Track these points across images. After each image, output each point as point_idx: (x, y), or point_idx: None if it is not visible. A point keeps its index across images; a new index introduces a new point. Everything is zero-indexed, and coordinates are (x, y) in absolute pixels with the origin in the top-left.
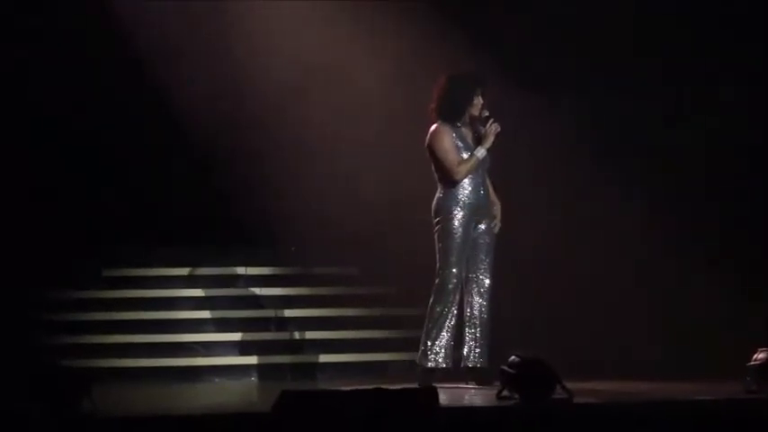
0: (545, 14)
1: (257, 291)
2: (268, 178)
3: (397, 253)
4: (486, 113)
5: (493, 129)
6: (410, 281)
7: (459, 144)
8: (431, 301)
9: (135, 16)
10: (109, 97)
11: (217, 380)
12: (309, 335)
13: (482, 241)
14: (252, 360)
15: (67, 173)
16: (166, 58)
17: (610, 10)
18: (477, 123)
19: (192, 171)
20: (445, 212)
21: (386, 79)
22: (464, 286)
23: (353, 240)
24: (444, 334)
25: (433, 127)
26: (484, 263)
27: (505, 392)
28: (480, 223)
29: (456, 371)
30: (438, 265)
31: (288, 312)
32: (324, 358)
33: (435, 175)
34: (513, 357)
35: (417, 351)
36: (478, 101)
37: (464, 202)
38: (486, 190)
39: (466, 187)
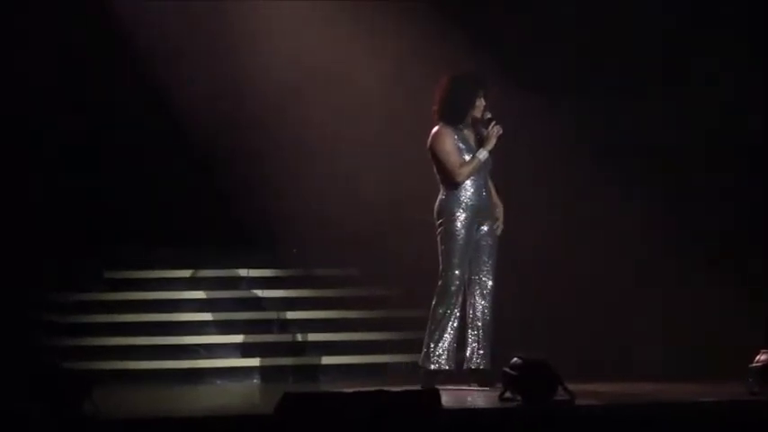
0: (545, 14)
1: (259, 293)
2: (269, 179)
3: (399, 255)
4: (489, 116)
5: (495, 131)
6: (412, 283)
7: (461, 146)
8: (433, 303)
9: (135, 16)
10: (110, 98)
11: (219, 382)
12: (312, 337)
13: (484, 243)
14: (254, 362)
15: (68, 174)
16: (167, 58)
17: (610, 10)
18: (479, 125)
19: (193, 172)
20: (448, 214)
21: (386, 79)
22: (467, 288)
23: (355, 242)
24: (447, 336)
25: (435, 129)
26: (486, 265)
27: (508, 394)
28: (483, 225)
29: (458, 373)
30: (441, 267)
31: (290, 314)
32: (326, 360)
33: (437, 177)
34: (515, 359)
35: (420, 353)
36: (480, 102)
37: (466, 203)
38: (488, 192)
39: (468, 189)
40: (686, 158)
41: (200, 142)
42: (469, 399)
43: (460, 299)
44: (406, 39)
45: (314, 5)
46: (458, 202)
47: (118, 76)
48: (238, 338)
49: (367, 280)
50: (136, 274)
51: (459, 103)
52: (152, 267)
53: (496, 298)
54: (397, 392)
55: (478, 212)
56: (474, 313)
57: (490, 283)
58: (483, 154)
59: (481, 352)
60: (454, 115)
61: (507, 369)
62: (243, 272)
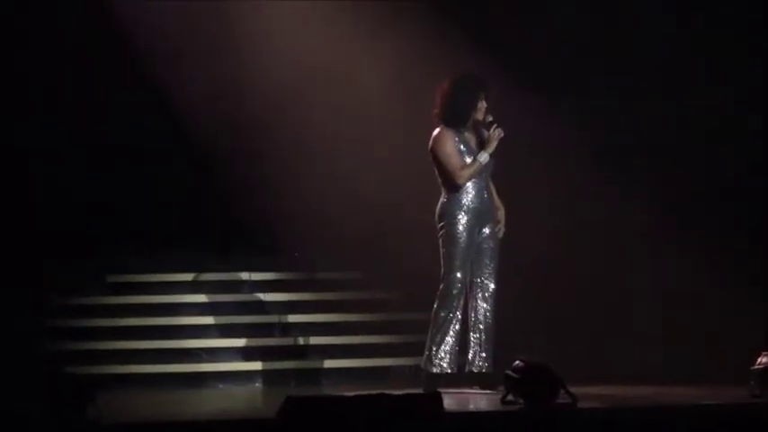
0: (545, 14)
1: (261, 296)
2: (270, 182)
3: (400, 258)
4: (491, 118)
5: (496, 134)
6: (414, 286)
7: (463, 148)
8: (435, 306)
9: (135, 16)
10: (112, 102)
11: (221, 386)
12: (314, 340)
13: (486, 246)
14: (256, 366)
15: (70, 178)
16: (167, 58)
17: (610, 9)
18: (480, 127)
19: (194, 175)
20: (449, 217)
21: (386, 79)
22: (469, 291)
23: (357, 245)
24: (449, 339)
25: (436, 131)
26: (488, 267)
27: (510, 397)
28: (484, 228)
29: (461, 376)
30: (442, 270)
31: (292, 318)
32: (328, 364)
33: (438, 180)
34: (517, 362)
35: (422, 356)
36: (482, 105)
37: (468, 206)
38: (489, 194)
39: (470, 192)
40: (686, 159)
41: (201, 144)
42: (471, 402)
43: (462, 302)
44: (407, 39)
45: (313, 5)
46: (459, 205)
47: (119, 77)
48: (240, 342)
49: (369, 283)
50: (138, 278)
51: (461, 105)
52: (154, 271)
53: (498, 301)
54: (399, 396)
55: (480, 215)
56: (476, 316)
57: (492, 285)
58: (484, 157)
59: (483, 355)
60: (456, 118)
61: (509, 372)
62: (245, 275)
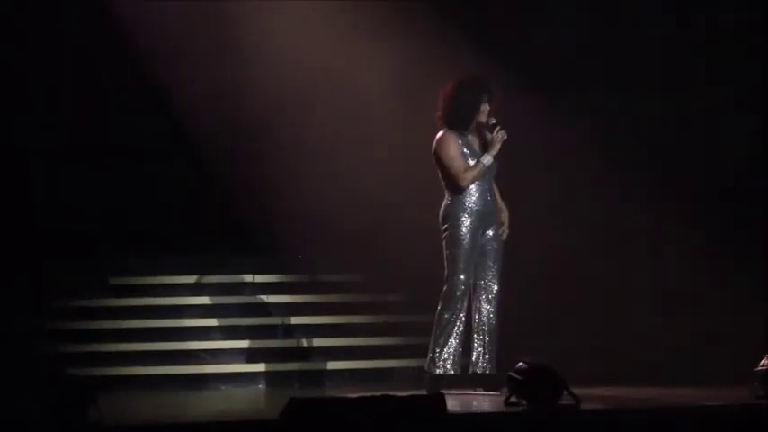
0: (546, 14)
1: (264, 298)
2: (274, 185)
3: (404, 260)
4: (494, 121)
5: (500, 136)
6: (418, 288)
7: (466, 151)
8: (439, 307)
9: (135, 16)
10: (114, 106)
11: (224, 387)
12: (317, 342)
13: (490, 248)
14: (259, 367)
15: (73, 180)
16: (172, 61)
17: (610, 9)
18: (483, 130)
19: (197, 178)
20: (453, 219)
21: (387, 79)
22: (472, 293)
23: (360, 247)
24: (452, 341)
25: (439, 134)
26: (492, 269)
27: (513, 399)
28: (488, 230)
29: (464, 377)
30: (446, 271)
31: (295, 320)
32: (331, 365)
33: (442, 183)
34: (520, 363)
35: (425, 358)
36: (485, 107)
37: (471, 208)
38: (493, 197)
39: (473, 194)
40: (687, 159)
41: (203, 146)
42: (475, 403)
43: (466, 304)
44: (407, 39)
45: (314, 5)
46: (463, 207)
47: (119, 78)
48: (243, 344)
49: (372, 285)
50: (140, 280)
51: (464, 108)
52: (156, 273)
53: (502, 303)
54: (403, 397)
55: (483, 217)
56: (479, 318)
57: (496, 287)
58: (487, 159)
59: (487, 356)
60: (459, 121)
61: (513, 373)
62: (248, 277)
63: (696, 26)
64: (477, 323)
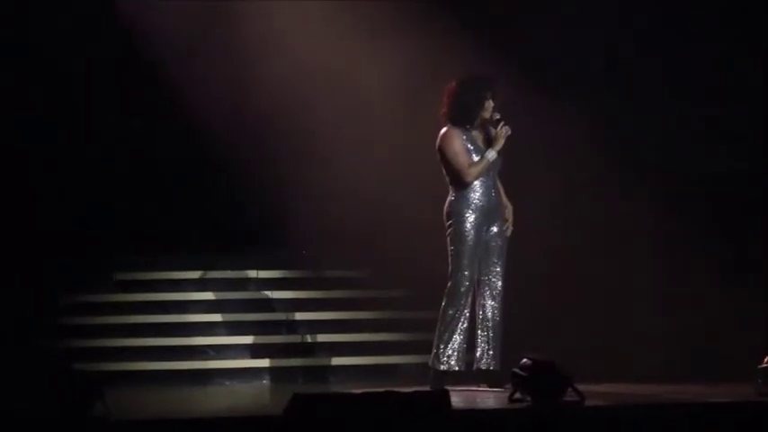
0: (550, 13)
1: (268, 294)
2: (279, 180)
3: (408, 256)
4: (498, 116)
5: (503, 131)
6: (422, 284)
7: (470, 147)
8: (443, 304)
9: (145, 18)
10: (121, 99)
11: (228, 383)
12: (321, 338)
13: (494, 244)
14: (263, 363)
15: (80, 176)
16: (181, 60)
17: (613, 9)
18: (487, 126)
19: (202, 173)
20: (457, 215)
21: (394, 78)
22: (476, 289)
23: (365, 243)
24: (456, 337)
25: (444, 130)
26: (496, 266)
27: (517, 395)
28: (492, 226)
29: (468, 373)
30: (450, 268)
31: (299, 315)
32: (335, 361)
33: (446, 179)
34: (524, 360)
35: (429, 354)
36: (489, 104)
37: (476, 204)
38: (497, 193)
39: (477, 190)
40: (689, 160)
41: (209, 143)
42: (479, 399)
43: (470, 300)
44: (409, 38)
45: (318, 5)
46: (467, 204)
47: (129, 79)
48: (248, 339)
49: (376, 281)
50: (146, 276)
51: (469, 104)
52: (162, 269)
53: (506, 299)
54: (407, 393)
55: (488, 213)
56: (483, 314)
57: (500, 284)
58: (491, 154)
59: (491, 353)
60: (463, 117)
61: (517, 370)
62: (252, 273)
63: (698, 24)
64: (482, 319)
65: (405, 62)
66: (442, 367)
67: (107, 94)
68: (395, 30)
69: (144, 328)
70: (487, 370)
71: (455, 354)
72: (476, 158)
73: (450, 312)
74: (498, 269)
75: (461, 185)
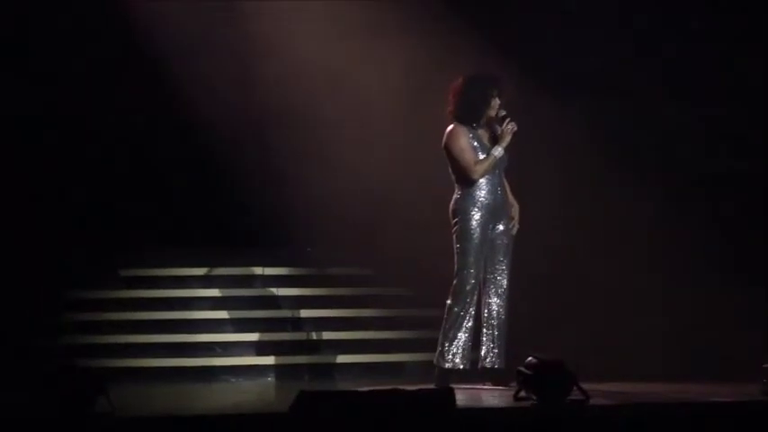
0: (554, 12)
1: (274, 291)
2: (284, 178)
3: (414, 253)
4: (503, 113)
5: (509, 128)
6: (427, 281)
7: (476, 144)
8: (448, 301)
9: (148, 17)
10: (124, 98)
11: (233, 380)
12: (326, 335)
13: (500, 242)
14: (269, 360)
15: (85, 173)
16: (182, 56)
17: (616, 10)
18: (493, 123)
19: (208, 171)
20: (463, 213)
21: (405, 75)
22: (482, 287)
23: (370, 240)
24: (462, 335)
25: (450, 127)
26: (501, 264)
27: (523, 393)
28: (498, 224)
29: (473, 372)
30: (456, 266)
31: (305, 313)
32: (341, 359)
33: (452, 177)
34: (530, 358)
35: (435, 352)
36: (495, 102)
37: (482, 202)
38: (503, 190)
39: (483, 188)
40: (689, 160)
41: (214, 141)
42: (484, 398)
43: (475, 298)
44: (413, 37)
45: (323, 5)
46: (473, 201)
47: (133, 77)
48: (253, 336)
49: (382, 278)
50: (151, 272)
51: (475, 103)
52: (167, 265)
53: (511, 297)
54: (412, 391)
55: (494, 211)
56: (489, 312)
57: (505, 282)
58: (498, 151)
59: (496, 351)
60: (470, 115)
61: (522, 368)
62: (258, 270)
63: (701, 24)
64: (487, 317)
65: (408, 61)
66: (447, 365)
67: (111, 94)
68: (398, 29)
69: (149, 325)
70: (492, 368)
71: (460, 352)
72: (481, 156)
73: (456, 310)
74: (504, 267)
75: (467, 183)
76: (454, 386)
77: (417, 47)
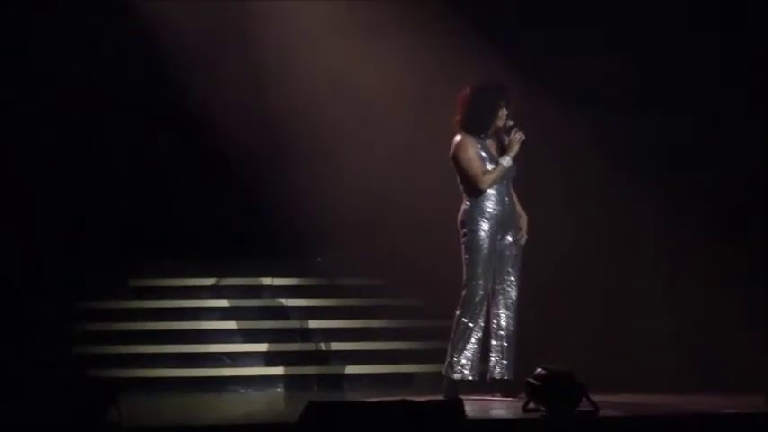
0: (561, 18)
1: (283, 301)
2: (294, 188)
3: (423, 264)
4: (511, 123)
5: (517, 137)
6: (436, 292)
7: (483, 154)
8: (457, 312)
9: (159, 21)
10: (136, 108)
11: (243, 390)
12: (335, 346)
13: (508, 253)
14: (278, 371)
15: (95, 184)
16: (191, 66)
17: (623, 16)
18: (501, 133)
19: (217, 182)
20: (471, 224)
21: (421, 84)
22: (490, 298)
23: (380, 251)
24: (471, 346)
25: (457, 138)
26: (510, 275)
27: (532, 405)
28: (506, 235)
29: (482, 383)
30: (465, 276)
31: (314, 323)
32: (350, 369)
33: (461, 187)
34: (539, 369)
35: (443, 363)
36: (503, 112)
37: (490, 213)
38: (511, 201)
39: (491, 198)
40: (705, 169)
41: (225, 150)
42: (493, 409)
43: (484, 309)
44: (421, 39)
45: (335, 9)
46: (481, 212)
47: (146, 87)
48: (262, 347)
49: (391, 289)
50: (160, 283)
51: (483, 113)
52: (176, 276)
53: (520, 308)
54: (421, 402)
55: (502, 222)
56: (498, 323)
57: (514, 293)
58: (506, 160)
59: (504, 362)
60: (478, 126)
61: (531, 379)
62: (267, 281)
63: (710, 28)
64: (496, 328)
65: (420, 62)
66: (456, 376)
67: (122, 100)
68: (408, 30)
69: (159, 335)
70: (501, 379)
71: (469, 363)
72: (489, 166)
73: (465, 321)
74: (512, 278)
75: (475, 194)
76: (463, 397)
77: (428, 48)
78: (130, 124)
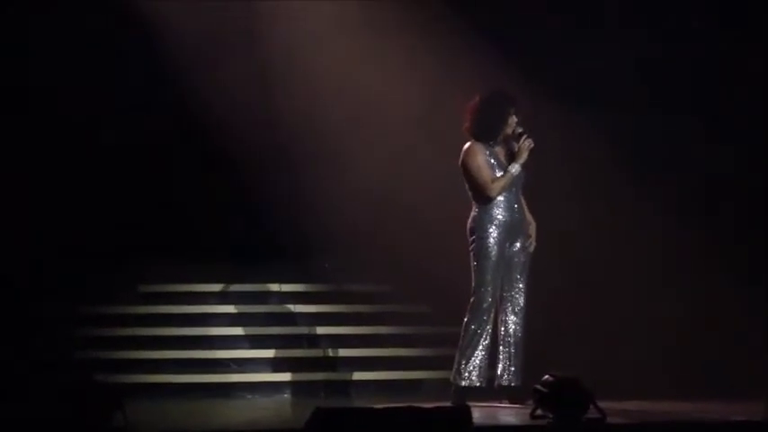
0: (568, 23)
1: (291, 307)
2: (302, 193)
3: (431, 271)
4: (520, 130)
5: (526, 145)
6: (444, 299)
7: (493, 162)
8: (466, 319)
9: (162, 22)
10: (145, 112)
11: (250, 396)
12: (343, 352)
13: (517, 260)
14: (285, 377)
15: (104, 188)
16: (207, 70)
17: (632, 21)
18: (510, 141)
19: (225, 187)
20: (480, 231)
21: (427, 89)
22: (499, 305)
23: (388, 258)
24: (478, 353)
25: (467, 145)
26: (519, 282)
27: (539, 411)
28: (515, 242)
29: (490, 389)
30: (473, 283)
31: (321, 329)
32: (357, 376)
33: (469, 194)
34: (546, 376)
35: (451, 369)
36: (512, 120)
37: (499, 220)
38: (520, 208)
39: (500, 205)
40: (712, 175)
41: (233, 156)
42: (501, 416)
43: (492, 316)
44: (435, 48)
45: (342, 13)
46: (490, 219)
47: (155, 91)
48: (269, 353)
49: (398, 296)
50: (168, 288)
51: (491, 121)
52: (184, 281)
53: (528, 315)
54: (428, 409)
55: (511, 229)
56: (506, 330)
57: (522, 300)
58: (515, 168)
59: (512, 369)
60: (487, 133)
61: (539, 386)
62: (274, 286)
63: (719, 35)
64: (504, 335)
65: (421, 62)
66: (463, 383)
67: (130, 104)
68: (413, 33)
69: (165, 341)
70: (509, 386)
71: (477, 369)
72: (498, 174)
73: (473, 328)
74: (521, 285)
75: (484, 201)
76: (471, 404)
77: (439, 59)
78: (141, 130)
